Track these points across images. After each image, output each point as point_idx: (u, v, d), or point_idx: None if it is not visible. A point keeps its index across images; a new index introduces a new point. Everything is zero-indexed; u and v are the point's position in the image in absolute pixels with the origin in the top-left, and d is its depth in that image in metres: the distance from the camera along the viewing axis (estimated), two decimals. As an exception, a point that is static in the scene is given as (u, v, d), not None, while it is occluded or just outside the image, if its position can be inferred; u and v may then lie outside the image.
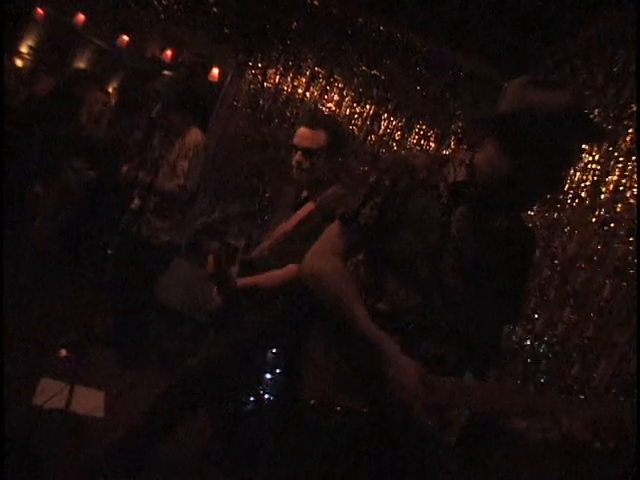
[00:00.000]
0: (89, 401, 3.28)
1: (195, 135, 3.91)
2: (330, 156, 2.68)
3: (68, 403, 2.87)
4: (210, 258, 2.73)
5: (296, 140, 2.69)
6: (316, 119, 2.72)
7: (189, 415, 2.76)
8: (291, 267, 2.52)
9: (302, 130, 2.68)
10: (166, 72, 3.45)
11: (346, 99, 5.85)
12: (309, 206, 2.66)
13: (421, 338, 1.57)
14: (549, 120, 1.45)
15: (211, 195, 5.74)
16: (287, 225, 2.69)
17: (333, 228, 1.70)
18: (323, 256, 1.68)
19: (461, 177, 1.60)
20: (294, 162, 2.68)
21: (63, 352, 3.72)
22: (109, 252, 3.19)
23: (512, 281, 1.67)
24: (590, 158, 3.65)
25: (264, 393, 3.77)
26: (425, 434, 1.52)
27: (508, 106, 1.54)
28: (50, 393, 3.00)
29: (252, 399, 3.73)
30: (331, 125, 2.73)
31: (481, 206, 1.59)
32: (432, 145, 5.87)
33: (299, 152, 2.66)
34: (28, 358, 3.47)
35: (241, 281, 2.58)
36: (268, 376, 3.74)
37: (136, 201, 3.89)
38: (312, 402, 1.62)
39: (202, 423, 3.22)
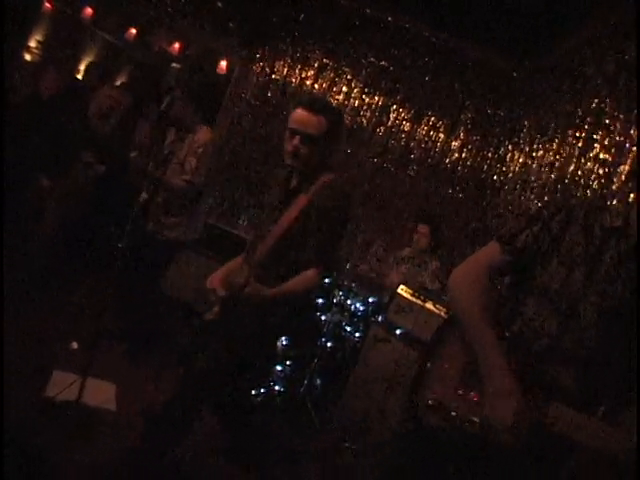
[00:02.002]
0: (101, 393, 3.30)
1: (205, 133, 3.93)
2: (328, 144, 2.52)
3: (80, 395, 2.89)
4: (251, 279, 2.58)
5: (294, 124, 2.46)
6: (318, 103, 2.46)
7: (198, 417, 2.75)
8: (310, 273, 2.46)
9: (302, 113, 2.44)
10: (174, 64, 3.45)
11: (355, 90, 5.84)
12: (302, 200, 2.51)
13: (550, 365, 1.66)
14: None
15: (219, 190, 5.76)
16: (283, 222, 2.54)
17: (489, 247, 1.84)
18: (473, 270, 1.84)
19: (617, 223, 1.67)
20: (290, 147, 2.46)
21: (75, 345, 3.74)
22: (119, 245, 3.18)
23: None
24: (601, 147, 3.62)
25: (274, 384, 3.79)
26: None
27: None
28: (62, 385, 3.03)
29: (262, 391, 3.75)
30: (332, 111, 2.53)
31: (632, 254, 1.64)
32: (441, 136, 5.86)
33: (297, 137, 2.44)
34: (40, 351, 3.49)
35: (272, 291, 2.43)
36: (279, 368, 3.76)
37: (144, 194, 3.90)
38: (430, 402, 1.73)
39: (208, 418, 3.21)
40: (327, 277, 2.54)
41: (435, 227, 4.63)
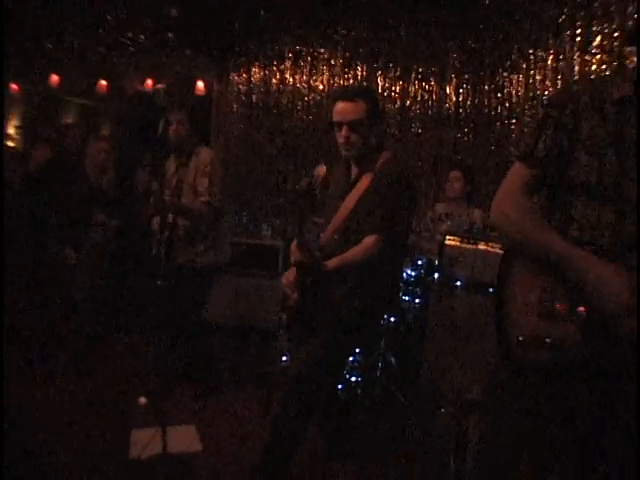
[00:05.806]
0: (184, 438, 3.23)
1: (206, 153, 3.88)
2: (372, 124, 2.58)
3: (165, 446, 2.80)
4: (293, 247, 2.66)
5: (337, 117, 2.55)
6: (351, 91, 2.60)
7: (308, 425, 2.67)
8: (369, 239, 2.48)
9: (342, 105, 2.54)
10: (159, 85, 3.42)
11: (336, 68, 5.72)
12: (365, 179, 2.59)
13: (617, 255, 1.57)
14: None
15: (235, 205, 5.71)
16: (349, 203, 2.61)
17: (514, 169, 1.77)
18: (509, 196, 1.76)
19: (625, 92, 1.59)
20: (341, 139, 2.56)
21: (142, 400, 3.66)
22: (158, 283, 3.12)
23: None
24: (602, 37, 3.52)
25: (350, 376, 3.67)
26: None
27: None
28: (144, 442, 2.96)
29: (340, 386, 3.62)
30: (367, 93, 2.62)
31: None
32: (434, 85, 5.71)
33: (344, 127, 2.53)
34: (115, 414, 3.43)
35: (329, 263, 2.48)
36: (350, 358, 3.63)
37: (165, 231, 3.81)
38: (520, 338, 1.65)
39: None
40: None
41: (467, 171, 4.54)
